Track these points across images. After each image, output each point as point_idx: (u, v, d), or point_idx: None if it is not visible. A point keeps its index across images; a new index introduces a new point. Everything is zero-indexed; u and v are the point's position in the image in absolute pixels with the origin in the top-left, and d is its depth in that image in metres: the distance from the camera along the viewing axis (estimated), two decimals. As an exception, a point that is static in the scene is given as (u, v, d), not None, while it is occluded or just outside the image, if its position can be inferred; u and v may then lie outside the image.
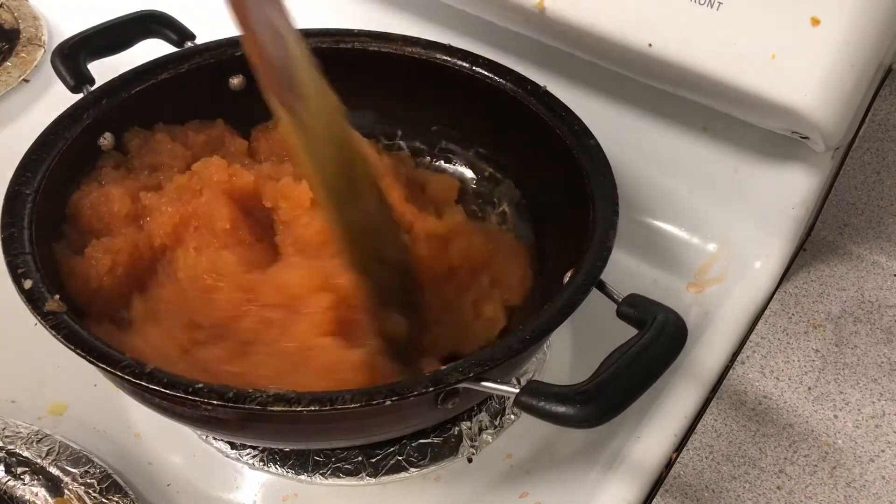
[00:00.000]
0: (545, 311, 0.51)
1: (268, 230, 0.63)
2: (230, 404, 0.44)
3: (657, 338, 0.48)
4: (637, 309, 0.52)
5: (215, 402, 0.44)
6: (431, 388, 0.46)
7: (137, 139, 0.65)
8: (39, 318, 0.49)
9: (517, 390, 0.46)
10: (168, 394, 0.45)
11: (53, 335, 0.48)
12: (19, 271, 0.51)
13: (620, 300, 0.53)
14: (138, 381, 0.45)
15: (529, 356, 0.55)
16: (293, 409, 0.44)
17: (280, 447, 0.59)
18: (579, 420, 0.44)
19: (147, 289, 0.59)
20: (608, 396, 0.45)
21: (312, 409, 0.44)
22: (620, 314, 0.53)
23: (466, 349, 0.60)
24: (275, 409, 0.44)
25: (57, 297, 0.49)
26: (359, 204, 0.54)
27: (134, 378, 0.46)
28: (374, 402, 0.45)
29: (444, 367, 0.47)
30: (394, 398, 0.45)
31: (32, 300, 0.49)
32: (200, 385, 0.45)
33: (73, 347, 0.47)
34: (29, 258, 0.52)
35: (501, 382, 0.48)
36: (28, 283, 0.50)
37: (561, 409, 0.44)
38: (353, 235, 0.54)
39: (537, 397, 0.45)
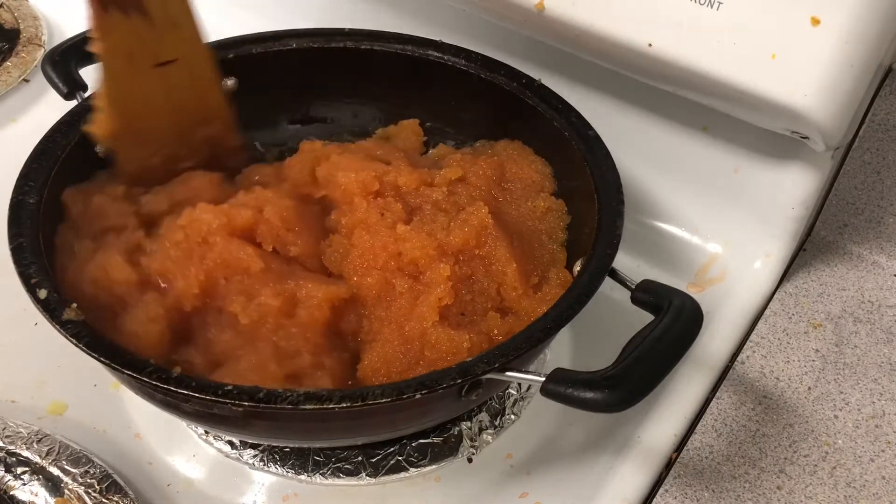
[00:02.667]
0: (563, 300, 0.52)
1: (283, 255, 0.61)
2: (261, 405, 0.44)
3: (675, 321, 0.49)
4: (652, 294, 0.53)
5: (246, 402, 0.44)
6: (459, 380, 0.46)
7: (78, 203, 0.59)
8: (58, 327, 0.48)
9: (542, 378, 0.46)
10: (198, 397, 0.45)
11: (74, 343, 0.47)
12: (33, 281, 0.50)
13: (634, 287, 0.54)
14: (166, 385, 0.45)
15: (548, 344, 0.56)
16: (325, 406, 0.44)
17: (307, 445, 0.59)
18: (608, 404, 0.44)
19: (193, 341, 0.55)
20: (634, 380, 0.45)
21: (344, 405, 0.44)
22: (635, 300, 0.53)
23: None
24: (307, 407, 0.44)
25: (74, 304, 0.49)
26: None
27: (161, 383, 0.45)
28: (405, 396, 0.45)
29: (469, 359, 0.48)
30: (423, 391, 0.45)
31: (49, 309, 0.48)
32: (230, 387, 0.45)
33: (95, 356, 0.47)
34: (40, 267, 0.51)
35: (525, 372, 0.49)
36: (43, 293, 0.49)
37: (589, 394, 0.45)
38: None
39: (564, 384, 0.45)
